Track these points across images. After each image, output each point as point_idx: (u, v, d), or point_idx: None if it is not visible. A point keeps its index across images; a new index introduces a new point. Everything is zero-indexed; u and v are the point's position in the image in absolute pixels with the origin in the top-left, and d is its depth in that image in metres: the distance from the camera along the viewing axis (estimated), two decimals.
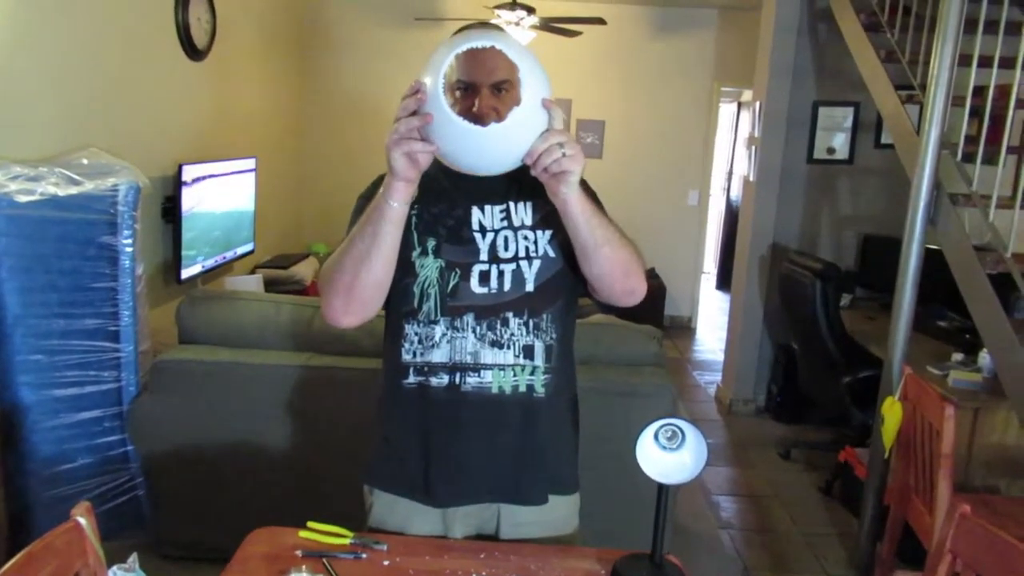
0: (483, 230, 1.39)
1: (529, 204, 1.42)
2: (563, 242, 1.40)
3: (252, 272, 4.73)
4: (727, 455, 4.05)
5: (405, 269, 1.37)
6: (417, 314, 1.38)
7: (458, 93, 1.29)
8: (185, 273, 3.68)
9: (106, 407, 2.58)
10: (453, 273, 1.37)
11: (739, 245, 4.77)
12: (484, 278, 1.37)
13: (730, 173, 8.30)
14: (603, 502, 2.04)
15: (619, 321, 2.72)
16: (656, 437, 1.27)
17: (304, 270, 4.96)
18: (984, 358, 2.94)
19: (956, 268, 2.62)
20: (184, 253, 3.65)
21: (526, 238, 1.40)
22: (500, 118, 1.20)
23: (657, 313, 5.97)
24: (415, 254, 1.37)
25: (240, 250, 4.43)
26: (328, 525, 1.41)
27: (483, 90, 1.27)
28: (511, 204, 1.41)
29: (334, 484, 2.03)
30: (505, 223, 1.40)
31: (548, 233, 1.40)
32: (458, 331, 1.36)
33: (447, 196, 1.41)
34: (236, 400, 2.50)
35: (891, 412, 2.52)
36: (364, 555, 1.35)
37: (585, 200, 1.27)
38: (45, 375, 2.46)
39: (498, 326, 1.36)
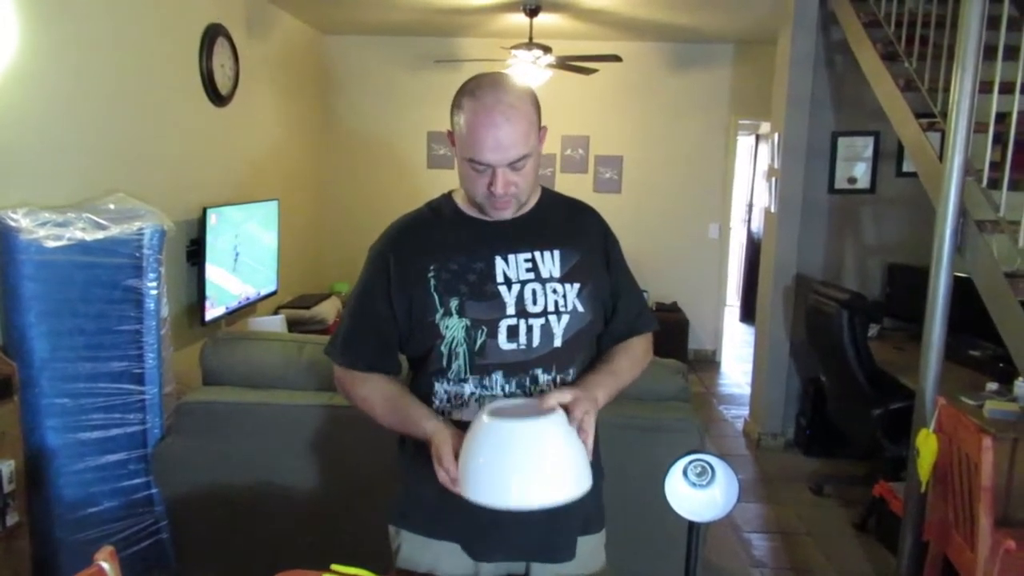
0: (508, 282, 1.35)
1: (556, 253, 1.38)
2: (591, 295, 1.38)
3: (275, 313, 4.76)
4: (757, 491, 3.96)
5: (430, 332, 1.35)
6: (447, 373, 1.36)
7: (473, 174, 1.29)
8: (209, 315, 3.71)
9: (131, 450, 2.58)
10: (480, 331, 1.33)
11: (762, 277, 4.73)
12: (513, 333, 1.33)
13: (750, 205, 8.28)
14: (631, 541, 2.00)
15: None
16: (685, 473, 1.25)
17: (326, 309, 4.99)
18: (1020, 387, 2.87)
19: (987, 296, 2.57)
20: (207, 295, 3.68)
21: (555, 291, 1.36)
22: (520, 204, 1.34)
23: (681, 347, 5.92)
24: (438, 316, 1.34)
25: (263, 291, 4.47)
26: (352, 567, 1.38)
27: (498, 170, 1.27)
28: (537, 253, 1.37)
29: (358, 524, 2.01)
30: (531, 274, 1.36)
31: (577, 286, 1.37)
32: (487, 390, 1.34)
33: (467, 247, 1.37)
34: (260, 441, 2.49)
35: (926, 444, 2.46)
36: None
37: (605, 394, 1.33)
38: (71, 419, 2.47)
39: (527, 383, 1.34)
